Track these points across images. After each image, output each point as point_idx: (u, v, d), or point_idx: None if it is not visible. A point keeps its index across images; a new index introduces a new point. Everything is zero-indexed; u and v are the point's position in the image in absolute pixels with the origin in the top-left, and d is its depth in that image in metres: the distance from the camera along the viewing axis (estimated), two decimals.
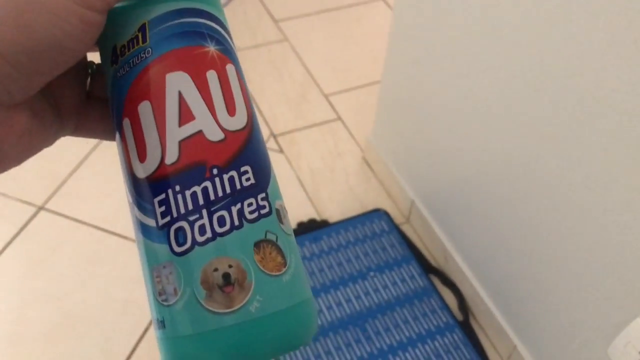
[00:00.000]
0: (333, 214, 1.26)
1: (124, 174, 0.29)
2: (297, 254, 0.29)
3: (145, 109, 0.28)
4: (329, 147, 1.41)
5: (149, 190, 0.28)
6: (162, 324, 0.27)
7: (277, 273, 0.27)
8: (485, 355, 1.05)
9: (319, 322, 1.06)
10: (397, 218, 1.27)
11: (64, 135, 0.31)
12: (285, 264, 0.28)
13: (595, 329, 0.81)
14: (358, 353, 1.03)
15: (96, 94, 0.32)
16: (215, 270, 0.26)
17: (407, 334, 1.06)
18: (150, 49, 0.28)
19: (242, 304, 0.26)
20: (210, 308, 0.26)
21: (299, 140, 1.42)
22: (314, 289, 1.11)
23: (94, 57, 0.31)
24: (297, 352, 1.02)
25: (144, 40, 0.28)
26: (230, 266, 0.26)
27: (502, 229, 0.96)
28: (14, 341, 1.02)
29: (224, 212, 0.27)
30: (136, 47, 0.28)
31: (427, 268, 1.16)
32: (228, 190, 0.27)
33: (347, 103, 1.52)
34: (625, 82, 0.65)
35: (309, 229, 1.21)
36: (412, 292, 1.12)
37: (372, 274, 1.14)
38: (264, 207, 0.28)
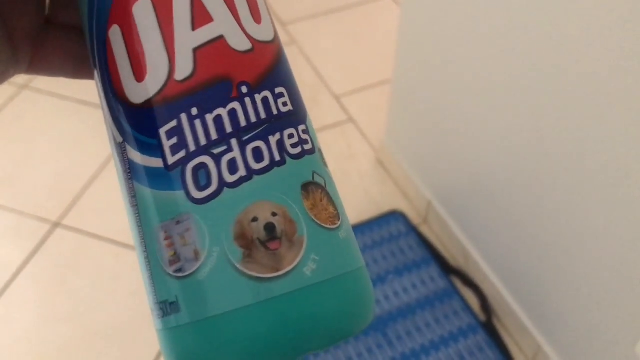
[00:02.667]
0: (349, 217, 1.25)
1: (107, 105, 0.22)
2: (344, 207, 0.23)
3: (143, 10, 0.20)
4: (342, 149, 1.39)
5: (151, 118, 0.20)
6: (173, 306, 0.20)
7: (332, 226, 0.21)
8: (510, 356, 1.03)
9: None
10: (414, 219, 1.25)
11: (17, 72, 0.24)
12: (338, 217, 0.22)
13: (623, 326, 0.79)
14: (380, 358, 1.02)
15: (57, 20, 0.25)
16: (255, 220, 0.20)
17: (429, 337, 1.05)
18: None
19: (294, 265, 0.20)
20: (251, 273, 0.19)
21: None
22: None
23: None
24: (317, 358, 1.01)
25: None
26: (274, 214, 0.20)
27: (523, 226, 0.94)
28: (40, 357, 1.02)
29: (261, 143, 0.20)
30: None
31: (447, 269, 1.15)
32: (263, 114, 0.20)
33: (359, 104, 1.51)
34: None
35: None
36: (433, 294, 1.10)
37: (391, 277, 1.13)
38: (306, 141, 0.21)
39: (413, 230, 1.21)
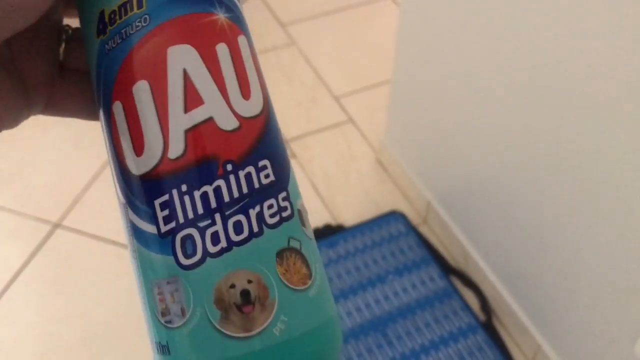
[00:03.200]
0: (349, 218, 1.25)
1: (113, 168, 0.24)
2: (320, 261, 0.26)
3: (142, 91, 0.23)
4: (342, 150, 1.40)
5: (147, 190, 0.23)
6: (165, 349, 0.23)
7: (303, 287, 0.24)
8: (509, 356, 1.03)
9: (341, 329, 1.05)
10: (414, 219, 1.25)
11: (32, 114, 0.25)
12: (310, 276, 0.24)
13: (622, 326, 0.79)
14: (380, 359, 1.02)
15: (72, 65, 0.26)
16: (232, 286, 0.22)
17: (429, 337, 1.05)
18: (147, 17, 0.23)
19: (264, 326, 0.22)
20: (227, 332, 0.22)
21: (311, 145, 1.41)
22: (332, 295, 1.10)
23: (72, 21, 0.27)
24: None
25: (140, 6, 0.23)
26: (249, 281, 0.22)
27: (523, 226, 0.94)
28: (41, 357, 1.03)
29: (241, 217, 0.23)
30: (130, 14, 0.23)
31: (447, 269, 1.15)
32: (245, 190, 0.23)
33: (359, 104, 1.51)
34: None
35: (325, 234, 1.20)
36: (433, 294, 1.11)
37: (390, 277, 1.13)
38: (285, 208, 0.24)
39: (413, 230, 1.21)
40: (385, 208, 1.27)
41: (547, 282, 0.92)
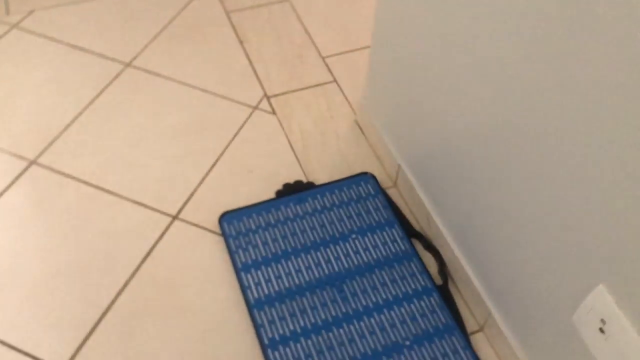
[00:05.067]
0: (321, 176, 1.26)
1: None
2: None
3: None
4: (322, 109, 1.40)
5: None
6: None
7: None
8: (461, 320, 1.05)
9: (297, 282, 1.07)
10: (385, 182, 1.26)
11: None
12: None
13: (563, 297, 0.80)
14: (333, 312, 1.04)
15: None
16: None
17: (383, 296, 1.06)
18: None
19: None
20: None
21: (292, 102, 1.41)
22: (294, 248, 1.12)
23: None
24: (273, 310, 1.04)
25: None
26: None
27: (484, 196, 0.95)
28: (3, 289, 1.05)
29: None
30: None
31: (410, 232, 1.16)
32: None
33: (344, 66, 1.50)
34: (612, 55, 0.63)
35: (295, 190, 1.21)
36: (393, 255, 1.12)
37: (353, 236, 1.14)
38: None
39: (381, 192, 1.22)
40: (358, 169, 1.28)
41: (501, 252, 0.93)
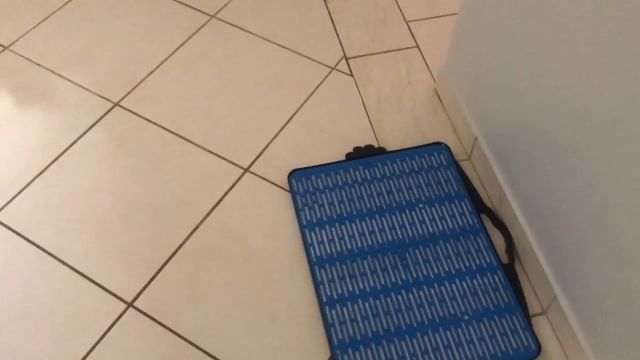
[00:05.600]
0: (393, 142, 1.24)
1: None
2: None
3: None
4: (401, 75, 1.37)
5: None
6: None
7: None
8: (524, 301, 1.02)
9: (359, 245, 1.07)
10: (459, 154, 1.23)
11: None
12: None
13: (637, 288, 0.76)
14: (393, 279, 1.04)
15: None
16: None
17: (446, 268, 1.05)
18: None
19: None
20: None
21: (370, 65, 1.39)
22: (360, 212, 1.12)
23: None
24: (334, 269, 1.04)
25: None
26: None
27: (560, 176, 0.91)
28: (76, 221, 1.12)
29: None
30: None
31: (480, 207, 1.13)
32: None
33: (428, 32, 1.46)
34: None
35: (365, 154, 1.21)
36: (460, 228, 1.10)
37: (420, 205, 1.13)
38: None
39: (454, 163, 1.19)
40: (432, 138, 1.25)
41: (573, 234, 0.90)
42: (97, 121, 1.27)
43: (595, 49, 0.76)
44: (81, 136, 1.24)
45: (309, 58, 1.40)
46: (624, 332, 0.81)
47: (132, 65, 1.37)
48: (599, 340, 0.88)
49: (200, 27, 1.45)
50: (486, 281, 1.04)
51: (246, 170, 1.20)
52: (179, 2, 1.51)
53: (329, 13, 1.51)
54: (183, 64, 1.38)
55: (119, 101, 1.30)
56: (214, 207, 1.14)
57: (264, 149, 1.23)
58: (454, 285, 1.03)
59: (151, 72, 1.36)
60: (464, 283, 1.04)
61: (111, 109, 1.29)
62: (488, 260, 1.06)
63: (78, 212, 1.13)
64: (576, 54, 0.81)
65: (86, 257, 1.07)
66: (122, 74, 1.36)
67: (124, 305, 1.02)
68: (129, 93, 1.32)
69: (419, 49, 1.43)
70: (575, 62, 0.81)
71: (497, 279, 1.04)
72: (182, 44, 1.41)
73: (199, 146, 1.23)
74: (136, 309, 1.01)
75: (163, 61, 1.38)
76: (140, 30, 1.45)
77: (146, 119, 1.27)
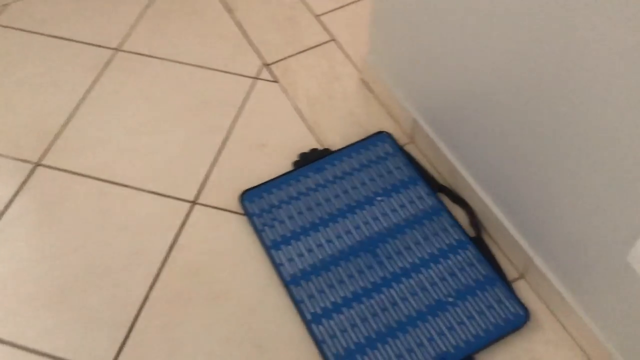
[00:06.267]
0: (335, 141, 1.22)
1: None
2: None
3: None
4: (325, 71, 1.35)
5: None
6: None
7: None
8: (500, 270, 1.03)
9: (329, 252, 1.05)
10: (401, 139, 1.23)
11: None
12: None
13: (613, 236, 0.79)
14: (371, 279, 1.02)
15: None
16: None
17: (419, 255, 1.05)
18: None
19: None
20: None
21: (293, 68, 1.36)
22: (321, 219, 1.09)
23: None
24: (311, 284, 1.02)
25: None
26: None
27: (509, 138, 0.92)
28: (25, 301, 1.03)
29: None
30: None
31: (435, 187, 1.14)
32: None
33: (340, 22, 1.45)
34: None
35: (312, 159, 1.18)
36: (422, 212, 1.10)
37: (379, 199, 1.12)
38: None
39: (400, 150, 1.19)
40: (371, 129, 1.24)
41: (535, 194, 0.91)
42: (20, 187, 1.17)
43: (519, 9, 0.77)
44: (5, 209, 1.14)
45: (228, 72, 1.35)
46: (602, 281, 0.84)
47: (43, 118, 1.27)
48: (582, 292, 0.90)
49: (107, 64, 1.37)
50: (460, 259, 1.04)
51: (193, 202, 1.14)
52: (76, 41, 1.42)
53: (236, 22, 1.46)
54: (98, 105, 1.29)
55: (40, 160, 1.21)
56: (170, 249, 1.08)
57: (207, 176, 1.18)
58: (430, 271, 1.03)
59: (67, 121, 1.27)
60: (439, 266, 1.04)
61: (33, 170, 1.19)
62: (456, 238, 1.07)
63: (25, 291, 1.04)
64: (500, 14, 0.81)
65: (47, 335, 0.99)
66: (35, 129, 1.26)
67: None
68: (48, 149, 1.22)
69: (336, 42, 1.41)
70: (500, 24, 0.82)
71: (469, 254, 1.05)
72: (93, 85, 1.33)
73: (137, 189, 1.16)
74: None
75: (76, 107, 1.29)
76: (40, 80, 1.34)
77: (74, 173, 1.19)
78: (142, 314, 1.01)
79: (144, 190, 1.16)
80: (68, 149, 1.22)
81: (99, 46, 1.40)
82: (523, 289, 1.02)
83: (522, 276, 1.03)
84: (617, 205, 0.75)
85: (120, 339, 0.98)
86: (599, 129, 0.73)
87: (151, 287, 1.04)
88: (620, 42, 0.64)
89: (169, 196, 1.15)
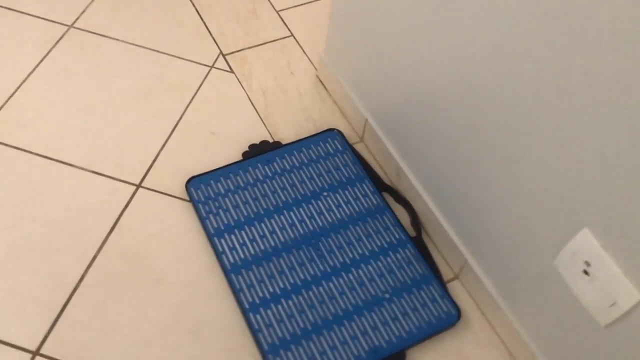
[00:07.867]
0: (287, 135, 1.23)
1: None
2: None
3: None
4: (281, 66, 1.36)
5: None
6: None
7: None
8: (437, 269, 1.06)
9: (272, 244, 1.06)
10: (352, 137, 1.24)
11: None
12: None
13: (542, 241, 0.82)
14: (311, 271, 1.03)
15: None
16: None
17: (360, 251, 1.06)
18: None
19: None
20: None
21: (250, 59, 1.36)
22: (267, 210, 1.10)
23: None
24: (251, 274, 1.02)
25: None
26: None
27: (453, 145, 0.95)
28: None
29: None
30: None
31: (381, 186, 1.16)
32: None
33: (300, 19, 1.46)
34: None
35: (262, 150, 1.18)
36: (366, 210, 1.12)
37: (325, 193, 1.13)
38: None
39: (349, 147, 1.20)
40: (323, 126, 1.26)
41: (474, 199, 0.94)
42: None
43: (473, 16, 0.80)
44: None
45: (184, 59, 1.34)
46: (531, 284, 0.87)
47: None
48: (512, 294, 0.94)
49: (59, 40, 1.34)
50: (399, 257, 1.07)
51: (138, 186, 1.13)
52: (28, 14, 1.38)
53: (196, 9, 1.45)
54: (46, 81, 1.26)
55: None
56: (110, 231, 1.07)
57: (154, 160, 1.17)
58: (370, 267, 1.05)
59: (11, 95, 1.23)
60: (379, 262, 1.06)
61: None
62: (397, 236, 1.09)
63: None
64: (453, 23, 0.84)
65: None
66: None
67: (29, 356, 0.92)
68: None
69: (294, 38, 1.42)
70: (452, 31, 0.84)
71: (408, 253, 1.07)
72: (42, 60, 1.30)
73: (81, 168, 1.14)
74: (44, 356, 0.93)
75: (23, 81, 1.26)
76: None
77: (15, 147, 1.16)
78: (76, 295, 0.99)
79: (87, 170, 1.14)
80: (10, 122, 1.19)
81: (53, 21, 1.37)
82: (457, 289, 1.05)
83: (456, 276, 1.06)
84: (546, 212, 0.79)
85: (52, 319, 0.96)
86: (528, 139, 0.76)
87: (88, 269, 1.02)
88: (542, 56, 0.67)
89: (113, 178, 1.13)
